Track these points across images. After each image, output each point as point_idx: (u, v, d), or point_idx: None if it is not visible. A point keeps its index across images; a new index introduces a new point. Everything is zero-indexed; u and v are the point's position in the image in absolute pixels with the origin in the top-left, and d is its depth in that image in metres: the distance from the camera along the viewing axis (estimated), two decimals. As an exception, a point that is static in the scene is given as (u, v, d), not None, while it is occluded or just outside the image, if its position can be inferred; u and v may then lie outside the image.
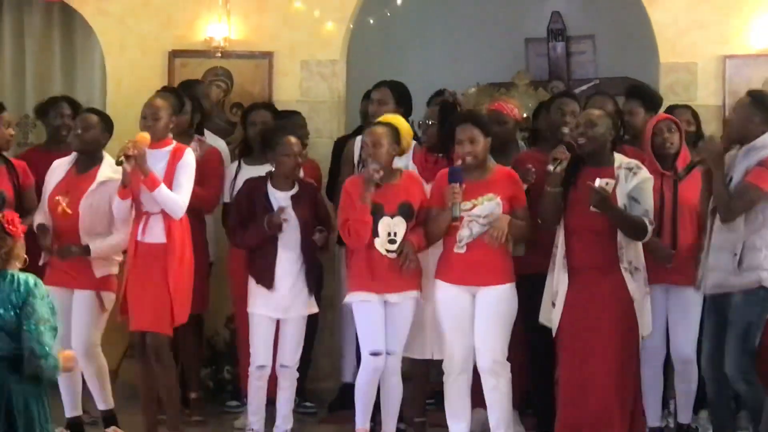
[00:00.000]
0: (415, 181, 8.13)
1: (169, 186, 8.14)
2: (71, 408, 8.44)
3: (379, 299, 8.09)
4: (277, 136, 8.52)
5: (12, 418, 6.12)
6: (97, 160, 8.41)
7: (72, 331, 8.22)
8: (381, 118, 8.29)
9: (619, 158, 7.78)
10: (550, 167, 7.64)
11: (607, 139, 7.76)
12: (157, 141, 8.12)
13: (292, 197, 8.22)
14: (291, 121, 9.15)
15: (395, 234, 8.00)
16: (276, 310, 8.23)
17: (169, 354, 8.28)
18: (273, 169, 8.31)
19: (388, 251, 7.95)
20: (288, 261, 8.23)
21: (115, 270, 8.38)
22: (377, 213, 7.94)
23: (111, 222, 8.42)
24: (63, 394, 8.23)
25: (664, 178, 8.20)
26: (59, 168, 8.52)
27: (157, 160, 8.06)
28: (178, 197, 8.07)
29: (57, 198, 8.38)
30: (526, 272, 7.98)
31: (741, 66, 9.71)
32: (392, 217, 8.00)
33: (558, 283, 7.80)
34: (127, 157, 7.85)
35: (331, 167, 9.39)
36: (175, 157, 8.16)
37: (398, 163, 8.46)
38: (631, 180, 7.73)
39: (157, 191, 7.93)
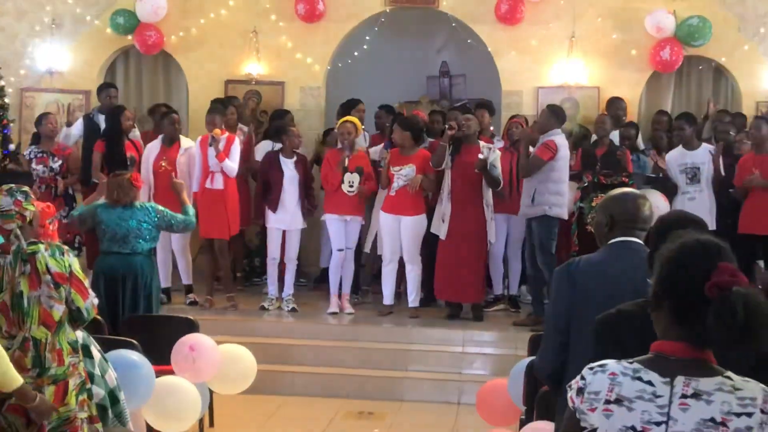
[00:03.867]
0: (364, 155, 8.69)
1: (227, 156, 8.64)
2: (165, 280, 8.85)
3: (341, 218, 8.57)
4: (285, 127, 9.11)
5: (148, 294, 6.68)
6: (177, 138, 8.98)
7: (173, 238, 8.88)
8: (346, 119, 8.65)
9: (481, 142, 8.44)
10: (447, 129, 8.09)
11: (476, 129, 8.38)
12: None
13: (295, 162, 8.77)
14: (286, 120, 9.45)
15: (352, 182, 8.45)
16: (282, 224, 8.71)
17: (227, 250, 9.04)
18: (282, 145, 8.73)
19: (349, 191, 8.50)
20: (290, 197, 8.62)
21: None
22: (345, 170, 8.47)
23: (190, 173, 8.69)
24: (161, 272, 8.33)
25: (512, 154, 8.74)
26: (153, 148, 8.93)
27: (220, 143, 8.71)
28: (234, 165, 8.66)
29: (161, 162, 8.79)
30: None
31: (548, 93, 10.00)
32: (352, 173, 8.48)
33: (445, 209, 8.29)
34: (216, 140, 8.44)
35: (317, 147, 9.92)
36: (229, 141, 8.73)
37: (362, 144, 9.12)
38: (492, 155, 8.19)
39: (224, 161, 8.55)
